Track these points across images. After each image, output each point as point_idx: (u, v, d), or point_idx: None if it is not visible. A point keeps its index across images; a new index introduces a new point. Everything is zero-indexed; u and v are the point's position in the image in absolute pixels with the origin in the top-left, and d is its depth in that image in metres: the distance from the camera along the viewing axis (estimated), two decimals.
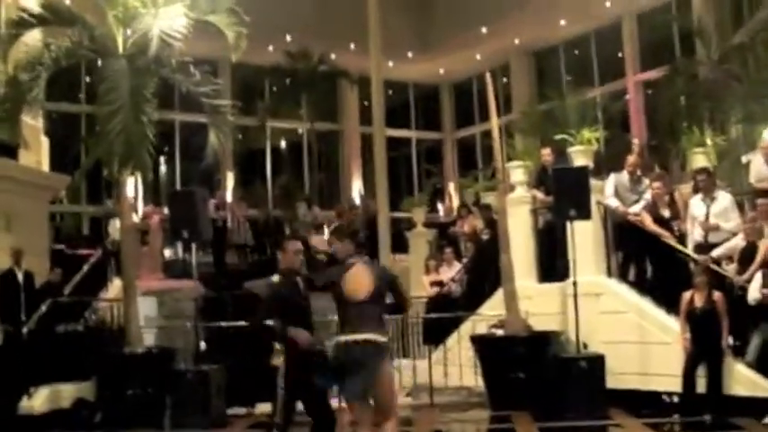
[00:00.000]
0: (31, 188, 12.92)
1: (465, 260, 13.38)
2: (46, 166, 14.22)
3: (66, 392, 10.08)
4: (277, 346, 5.81)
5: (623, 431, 8.68)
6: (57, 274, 11.98)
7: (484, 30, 19.33)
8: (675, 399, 9.17)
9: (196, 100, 10.87)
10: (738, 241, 9.34)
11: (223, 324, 11.02)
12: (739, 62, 12.44)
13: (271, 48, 18.88)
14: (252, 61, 17.27)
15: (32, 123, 12.71)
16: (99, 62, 11.01)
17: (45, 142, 14.30)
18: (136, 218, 14.04)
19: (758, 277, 8.71)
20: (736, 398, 8.56)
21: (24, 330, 9.99)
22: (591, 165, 10.64)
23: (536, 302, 10.57)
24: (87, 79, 17.99)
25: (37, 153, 13.55)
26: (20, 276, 10.24)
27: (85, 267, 12.45)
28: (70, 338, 10.70)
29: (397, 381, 8.44)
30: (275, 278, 6.01)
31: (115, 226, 13.01)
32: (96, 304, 11.68)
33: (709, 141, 12.11)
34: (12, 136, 10.93)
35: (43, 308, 10.44)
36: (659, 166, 12.87)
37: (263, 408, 10.24)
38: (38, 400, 9.77)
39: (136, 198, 15.65)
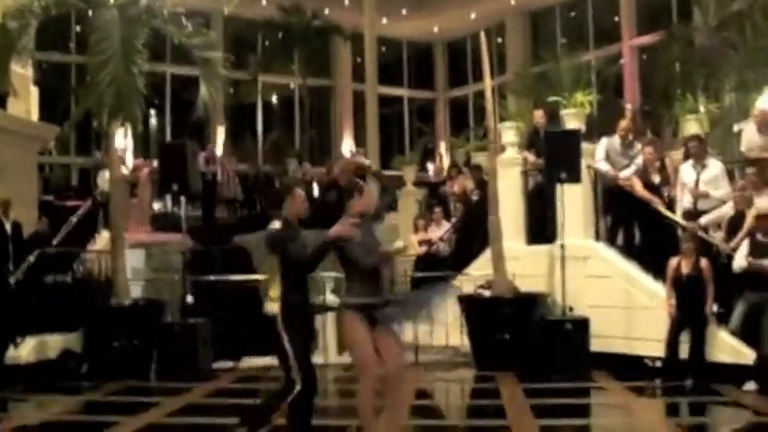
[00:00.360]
0: (20, 138, 12.83)
1: (454, 220, 13.40)
2: (35, 116, 14.12)
3: (53, 343, 10.09)
4: (270, 293, 5.54)
5: (606, 394, 8.77)
6: (43, 224, 11.95)
7: None
8: (658, 363, 9.25)
9: (188, 52, 10.78)
10: (727, 209, 9.35)
11: (211, 278, 11.06)
12: (737, 29, 12.34)
13: (264, 1, 18.68)
14: (245, 14, 17.14)
15: (22, 72, 12.56)
16: (90, 12, 10.86)
17: (34, 92, 14.17)
18: (125, 170, 13.98)
19: (745, 246, 8.74)
20: (718, 364, 8.65)
21: (12, 281, 9.97)
22: (583, 128, 10.62)
23: (523, 264, 10.60)
24: (78, 29, 17.79)
25: (26, 102, 13.43)
26: (8, 227, 10.18)
27: (74, 219, 12.41)
28: (58, 289, 10.72)
29: None
30: (276, 224, 5.81)
31: (104, 177, 12.96)
32: (84, 256, 11.66)
33: (702, 108, 12.06)
34: (0, 85, 10.80)
35: (31, 258, 10.42)
36: (651, 131, 12.86)
37: (250, 362, 10.34)
38: (25, 350, 9.79)
39: (125, 150, 15.57)
